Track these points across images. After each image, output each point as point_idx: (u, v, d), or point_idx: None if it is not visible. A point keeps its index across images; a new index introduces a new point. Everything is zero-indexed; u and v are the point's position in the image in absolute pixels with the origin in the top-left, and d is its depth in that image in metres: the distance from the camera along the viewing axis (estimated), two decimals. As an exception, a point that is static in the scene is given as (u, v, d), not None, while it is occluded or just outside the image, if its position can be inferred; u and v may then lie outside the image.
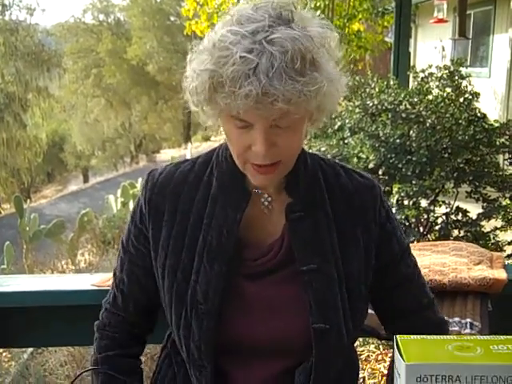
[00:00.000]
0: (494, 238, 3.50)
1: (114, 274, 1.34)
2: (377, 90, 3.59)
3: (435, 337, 0.70)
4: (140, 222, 1.27)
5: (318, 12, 4.14)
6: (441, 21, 7.81)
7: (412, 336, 0.70)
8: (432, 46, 10.48)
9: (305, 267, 1.20)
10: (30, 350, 3.76)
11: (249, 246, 1.23)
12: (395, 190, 3.11)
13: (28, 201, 13.19)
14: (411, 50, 11.05)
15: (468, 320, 1.58)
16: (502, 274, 1.67)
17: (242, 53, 1.02)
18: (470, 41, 8.55)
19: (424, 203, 3.39)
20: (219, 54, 1.04)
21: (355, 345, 1.40)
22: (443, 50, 9.95)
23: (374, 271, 1.26)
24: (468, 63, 8.57)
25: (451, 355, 0.65)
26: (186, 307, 1.20)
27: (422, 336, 0.71)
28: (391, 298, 1.31)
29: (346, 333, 1.20)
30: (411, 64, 6.41)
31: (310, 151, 1.31)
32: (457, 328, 1.57)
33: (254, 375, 1.22)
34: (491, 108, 6.87)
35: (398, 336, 0.69)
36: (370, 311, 1.39)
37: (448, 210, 3.54)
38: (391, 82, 3.62)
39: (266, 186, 1.22)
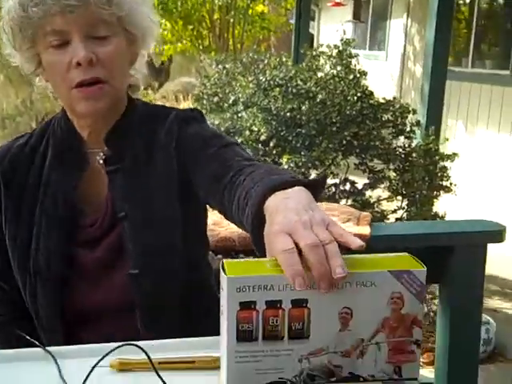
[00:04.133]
0: (377, 206, 3.70)
1: None
2: (272, 66, 3.71)
3: (258, 259, 0.78)
4: None
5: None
6: (338, 4, 8.03)
7: (237, 260, 0.79)
8: (334, 29, 10.74)
9: (119, 215, 1.22)
10: None
11: (87, 212, 1.25)
12: (285, 160, 3.24)
13: None
14: (315, 32, 11.30)
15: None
16: (365, 231, 1.81)
17: None
18: (369, 25, 8.84)
19: (314, 175, 3.55)
20: None
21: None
22: (344, 33, 10.21)
23: (205, 192, 1.20)
24: (367, 46, 8.87)
25: (267, 269, 0.73)
26: (30, 275, 1.23)
27: (246, 259, 0.80)
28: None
29: (168, 273, 1.22)
30: (314, 46, 6.59)
31: (139, 100, 1.32)
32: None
33: (104, 334, 1.20)
34: (388, 89, 7.16)
35: (224, 260, 0.78)
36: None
37: (337, 180, 3.72)
38: (284, 59, 3.75)
39: (93, 112, 1.19)
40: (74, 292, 1.24)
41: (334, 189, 3.70)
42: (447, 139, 4.32)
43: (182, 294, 1.25)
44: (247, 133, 3.40)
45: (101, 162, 1.25)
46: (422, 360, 3.24)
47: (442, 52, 4.76)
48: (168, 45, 10.92)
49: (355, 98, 3.57)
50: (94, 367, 0.92)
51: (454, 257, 1.95)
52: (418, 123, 3.82)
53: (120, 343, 0.96)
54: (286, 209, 0.83)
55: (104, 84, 1.16)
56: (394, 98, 3.78)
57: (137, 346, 0.95)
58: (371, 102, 3.64)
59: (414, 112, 3.85)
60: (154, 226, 1.22)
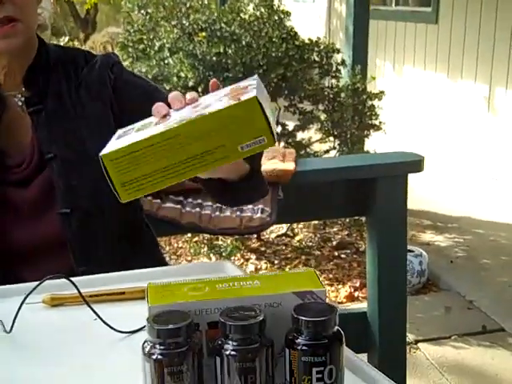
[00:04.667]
0: (310, 147, 3.77)
1: None
2: (194, 9, 3.68)
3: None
4: None
5: None
6: None
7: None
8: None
9: (47, 156, 1.25)
10: None
11: (12, 153, 1.27)
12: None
13: None
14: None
15: (260, 206, 1.77)
16: (289, 166, 1.86)
17: None
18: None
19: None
20: None
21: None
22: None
23: None
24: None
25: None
26: None
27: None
28: None
29: (98, 212, 1.27)
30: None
31: (51, 43, 1.35)
32: (249, 214, 1.76)
33: (42, 274, 1.22)
34: (316, 30, 7.18)
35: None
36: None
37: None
38: (206, 2, 3.72)
39: (8, 50, 1.22)
40: (8, 231, 1.26)
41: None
42: (374, 78, 4.41)
43: (114, 233, 1.29)
44: (175, 79, 3.39)
45: (19, 103, 1.27)
46: (360, 295, 3.38)
47: (364, -9, 4.81)
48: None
49: (280, 39, 3.58)
50: (22, 303, 0.95)
51: (376, 188, 2.03)
52: (343, 62, 3.87)
53: (48, 276, 0.99)
54: None
55: (17, 22, 1.19)
56: (319, 38, 3.81)
57: (66, 278, 0.99)
58: (296, 43, 3.66)
59: (339, 51, 3.90)
60: (85, 166, 1.25)
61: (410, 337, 2.83)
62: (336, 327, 0.75)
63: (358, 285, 3.46)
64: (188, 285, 0.81)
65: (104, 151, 0.84)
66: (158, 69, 3.46)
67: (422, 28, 6.01)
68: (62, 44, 1.40)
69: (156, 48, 3.62)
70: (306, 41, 3.74)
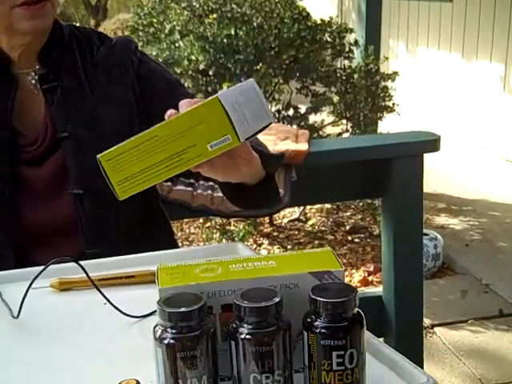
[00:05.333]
0: (322, 130, 3.72)
1: None
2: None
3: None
4: None
5: None
6: None
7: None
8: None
9: (61, 135, 1.23)
10: None
11: (25, 132, 1.25)
12: (224, 88, 3.21)
13: None
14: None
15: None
16: (303, 147, 1.82)
17: None
18: None
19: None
20: None
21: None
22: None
23: (147, 116, 1.26)
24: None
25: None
26: None
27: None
28: None
29: (111, 193, 1.22)
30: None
31: (65, 23, 1.33)
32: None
33: (56, 256, 1.24)
34: (328, 11, 7.10)
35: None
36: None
37: (280, 106, 3.71)
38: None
39: (37, 30, 1.20)
40: (21, 212, 1.24)
41: (277, 114, 3.69)
42: (387, 58, 4.33)
43: (128, 216, 1.27)
44: (185, 62, 3.34)
45: (33, 82, 1.25)
46: (375, 279, 3.35)
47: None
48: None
49: (292, 20, 3.52)
50: (29, 288, 0.92)
51: (392, 169, 1.99)
52: (356, 43, 3.80)
53: (54, 260, 0.96)
54: None
55: (47, 1, 1.17)
56: (331, 19, 3.75)
57: (74, 261, 0.95)
58: (308, 23, 3.60)
59: (351, 31, 3.83)
60: (100, 145, 1.20)
61: (426, 321, 2.80)
62: (356, 309, 0.71)
63: (371, 269, 3.42)
64: (200, 266, 0.78)
65: (102, 153, 0.89)
66: (169, 52, 3.41)
67: (436, 7, 5.92)
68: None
69: (166, 31, 3.57)
70: (318, 21, 3.67)
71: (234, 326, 0.70)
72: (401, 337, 2.17)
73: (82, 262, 0.99)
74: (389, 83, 3.91)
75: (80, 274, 0.99)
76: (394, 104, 3.95)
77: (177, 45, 3.48)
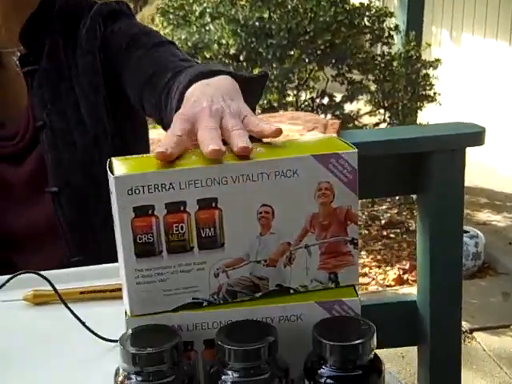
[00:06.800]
0: (358, 120, 3.57)
1: None
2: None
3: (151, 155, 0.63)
4: None
5: None
6: None
7: (128, 157, 0.64)
8: None
9: (36, 124, 1.09)
10: None
11: (6, 123, 1.12)
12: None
13: None
14: None
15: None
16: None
17: None
18: None
19: (288, 89, 3.39)
20: None
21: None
22: None
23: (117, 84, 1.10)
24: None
25: (164, 165, 0.58)
26: None
27: (139, 156, 0.64)
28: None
29: (91, 193, 1.10)
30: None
31: None
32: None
33: (40, 262, 1.10)
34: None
35: (113, 158, 0.62)
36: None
37: (314, 94, 3.56)
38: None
39: None
40: (2, 215, 1.12)
41: (311, 103, 3.54)
42: (429, 45, 4.14)
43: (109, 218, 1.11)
44: (215, 46, 3.21)
45: (17, 62, 1.10)
46: (410, 278, 3.20)
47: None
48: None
49: (329, 3, 3.36)
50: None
51: (430, 164, 1.83)
52: (396, 28, 3.63)
53: (17, 273, 0.83)
54: (202, 94, 0.70)
55: None
56: (371, 2, 3.58)
57: (37, 273, 0.82)
58: (346, 6, 3.44)
59: (392, 15, 3.66)
60: (76, 133, 1.08)
61: (464, 325, 2.65)
62: (373, 352, 0.56)
63: (407, 267, 3.27)
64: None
65: None
66: (199, 36, 3.28)
67: (482, -7, 5.68)
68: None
69: (197, 14, 3.44)
70: (357, 4, 3.51)
71: (217, 371, 0.55)
72: (437, 344, 2.02)
73: (64, 271, 0.86)
74: (430, 71, 3.75)
75: (62, 284, 0.86)
76: (435, 93, 3.81)
77: (207, 28, 3.36)
